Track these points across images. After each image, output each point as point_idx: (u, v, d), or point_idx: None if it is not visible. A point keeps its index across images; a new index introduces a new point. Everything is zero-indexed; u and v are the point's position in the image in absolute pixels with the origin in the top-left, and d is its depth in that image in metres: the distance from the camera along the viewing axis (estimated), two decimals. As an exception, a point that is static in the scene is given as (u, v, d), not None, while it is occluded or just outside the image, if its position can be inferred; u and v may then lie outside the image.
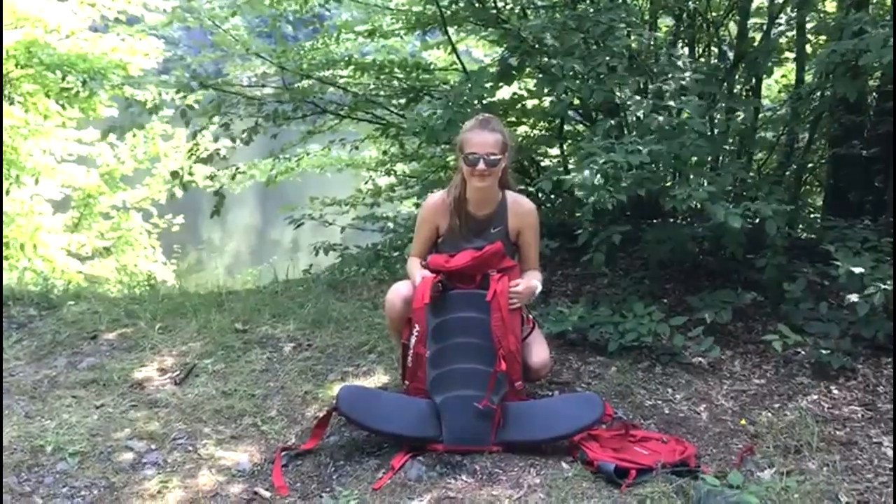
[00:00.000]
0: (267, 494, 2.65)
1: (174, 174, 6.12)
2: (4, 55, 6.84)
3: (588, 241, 3.74)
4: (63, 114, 7.87)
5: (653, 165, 3.50)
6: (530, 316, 3.24)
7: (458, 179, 3.17)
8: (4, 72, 6.84)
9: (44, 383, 3.42)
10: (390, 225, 5.78)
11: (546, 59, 4.11)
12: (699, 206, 3.50)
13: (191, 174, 5.90)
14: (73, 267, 8.19)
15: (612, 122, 3.98)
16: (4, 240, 7.51)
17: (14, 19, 7.02)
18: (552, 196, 4.85)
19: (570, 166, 5.07)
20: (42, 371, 3.54)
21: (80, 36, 7.54)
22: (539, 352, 3.15)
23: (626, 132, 4.36)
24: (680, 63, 4.14)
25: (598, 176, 3.35)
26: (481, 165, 3.02)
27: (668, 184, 4.02)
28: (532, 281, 3.14)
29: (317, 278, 5.26)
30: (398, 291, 3.13)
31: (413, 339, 3.02)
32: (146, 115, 6.33)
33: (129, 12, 7.77)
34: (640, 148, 3.44)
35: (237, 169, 6.31)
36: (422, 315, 3.01)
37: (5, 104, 7.13)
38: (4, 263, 7.42)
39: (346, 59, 5.50)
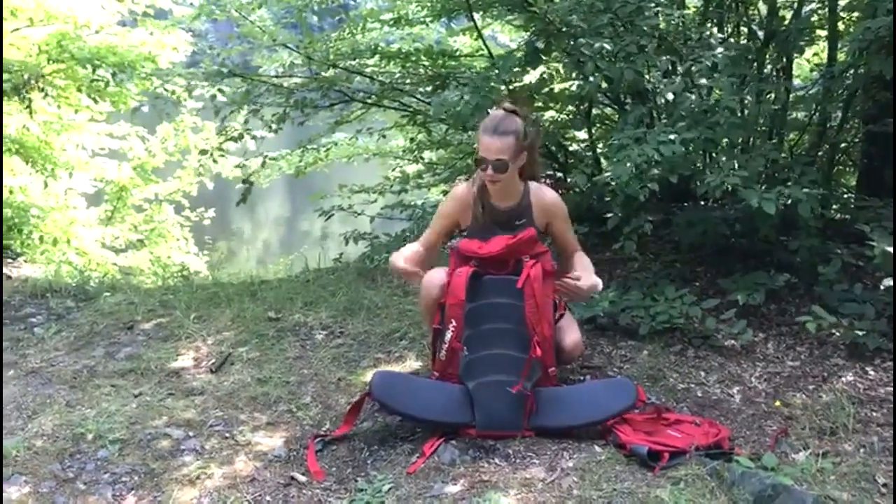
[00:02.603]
0: (303, 479, 2.69)
1: (203, 151, 6.28)
2: (37, 51, 6.94)
3: (618, 227, 3.71)
4: (94, 108, 7.97)
5: (683, 148, 3.47)
6: (563, 301, 3.23)
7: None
8: (37, 65, 6.94)
9: (83, 373, 3.49)
10: (418, 212, 5.81)
11: (573, 42, 4.08)
12: (731, 188, 3.46)
13: (220, 149, 5.99)
14: (108, 259, 8.33)
15: (643, 109, 3.93)
16: (39, 234, 7.64)
17: (45, 16, 7.11)
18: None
19: (599, 150, 5.04)
20: (81, 361, 3.61)
21: (110, 31, 7.63)
22: (571, 333, 3.15)
23: (656, 117, 4.32)
24: (711, 41, 4.08)
25: (632, 170, 3.32)
26: (489, 171, 3.02)
27: (699, 166, 3.97)
28: (594, 277, 3.10)
29: (347, 267, 5.30)
30: (433, 278, 3.13)
31: (449, 334, 3.00)
32: (171, 105, 6.44)
33: (157, 5, 7.84)
34: (672, 137, 3.40)
35: (266, 157, 6.37)
36: (459, 312, 2.99)
37: (39, 99, 7.23)
38: (41, 258, 7.56)
39: (373, 48, 5.51)
